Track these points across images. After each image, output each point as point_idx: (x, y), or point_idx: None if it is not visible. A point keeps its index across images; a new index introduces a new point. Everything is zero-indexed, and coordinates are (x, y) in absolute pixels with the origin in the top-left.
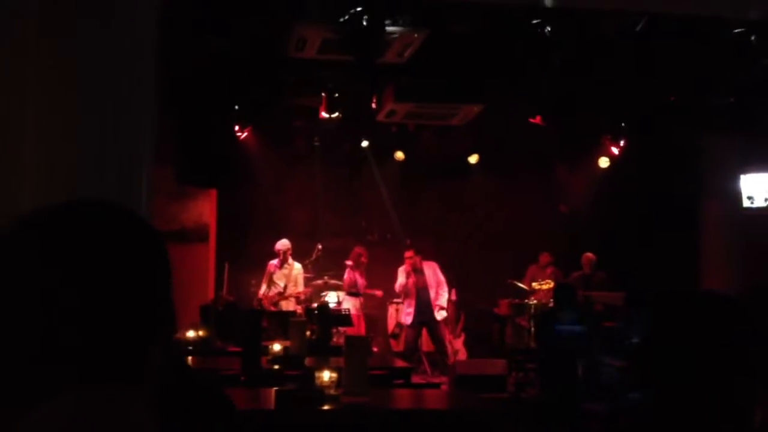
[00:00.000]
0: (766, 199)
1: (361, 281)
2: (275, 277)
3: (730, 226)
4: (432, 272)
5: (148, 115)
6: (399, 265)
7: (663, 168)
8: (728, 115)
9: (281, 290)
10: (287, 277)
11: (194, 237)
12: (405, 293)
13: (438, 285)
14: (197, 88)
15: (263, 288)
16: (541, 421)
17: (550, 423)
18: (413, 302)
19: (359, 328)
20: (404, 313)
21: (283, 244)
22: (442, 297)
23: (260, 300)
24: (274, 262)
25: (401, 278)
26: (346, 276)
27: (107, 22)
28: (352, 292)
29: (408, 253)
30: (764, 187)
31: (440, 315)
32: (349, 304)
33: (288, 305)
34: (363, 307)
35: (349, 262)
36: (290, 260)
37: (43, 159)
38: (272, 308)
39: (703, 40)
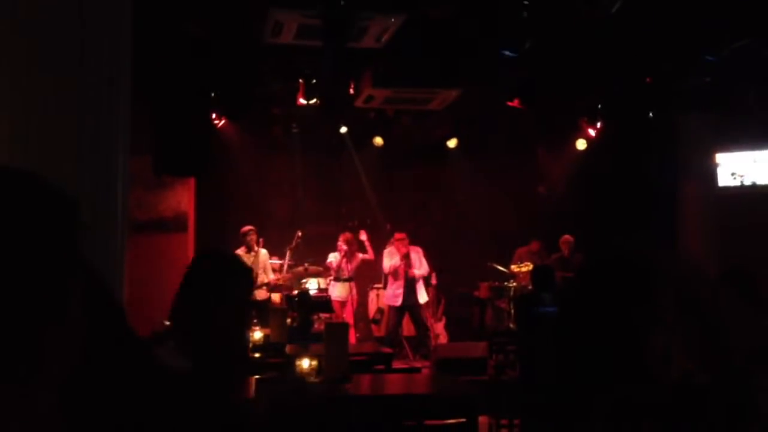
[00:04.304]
0: (733, 174)
1: (347, 266)
2: None
3: (707, 205)
4: (417, 257)
5: (123, 104)
6: (379, 250)
7: (640, 149)
8: (704, 94)
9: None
10: (256, 266)
11: (173, 226)
12: (394, 275)
13: (420, 267)
14: (173, 76)
15: None
16: (522, 403)
17: (530, 404)
18: (402, 284)
19: (346, 315)
20: (392, 295)
21: (249, 229)
22: (422, 271)
23: None
24: (239, 251)
25: (392, 259)
26: (337, 261)
27: (81, 12)
28: (341, 278)
29: (400, 235)
30: (742, 164)
31: (422, 298)
32: (337, 290)
33: (260, 294)
34: (351, 293)
35: (344, 247)
36: (256, 247)
37: (17, 150)
38: None
39: (678, 21)
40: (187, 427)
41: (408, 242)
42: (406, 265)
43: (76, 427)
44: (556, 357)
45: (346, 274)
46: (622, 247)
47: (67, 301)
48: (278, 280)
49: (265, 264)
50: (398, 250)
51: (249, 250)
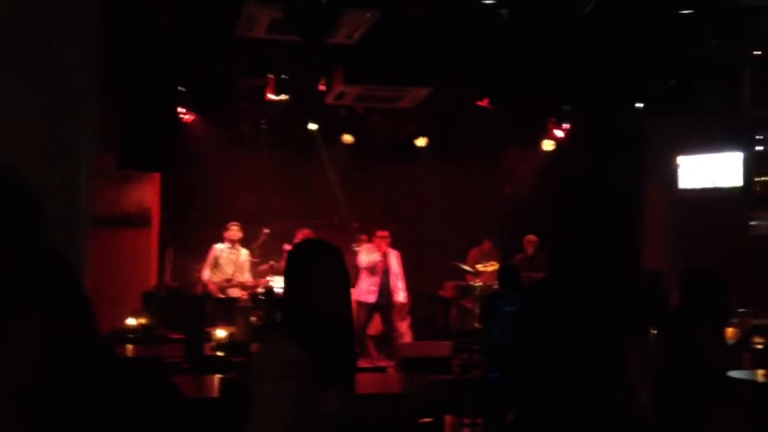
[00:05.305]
0: (693, 176)
1: None
2: (222, 262)
3: (669, 207)
4: (396, 259)
5: (88, 97)
6: (347, 248)
7: (605, 150)
8: (669, 97)
9: (229, 276)
10: (235, 264)
11: (137, 222)
12: (371, 270)
13: (399, 273)
14: (141, 69)
15: (207, 272)
16: (487, 402)
17: (495, 403)
18: (378, 282)
19: None
20: (366, 291)
21: (233, 224)
22: (401, 291)
23: (206, 285)
24: (220, 245)
25: (371, 255)
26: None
27: (48, 3)
28: None
29: (383, 233)
30: (700, 168)
31: (399, 298)
32: None
33: (234, 292)
34: None
35: (287, 247)
36: (237, 245)
37: None
38: (220, 294)
39: (649, 23)
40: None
41: (390, 241)
42: (384, 264)
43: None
44: (529, 370)
45: None
46: (591, 265)
47: (33, 298)
48: (249, 282)
49: (244, 264)
50: (379, 247)
51: (231, 246)
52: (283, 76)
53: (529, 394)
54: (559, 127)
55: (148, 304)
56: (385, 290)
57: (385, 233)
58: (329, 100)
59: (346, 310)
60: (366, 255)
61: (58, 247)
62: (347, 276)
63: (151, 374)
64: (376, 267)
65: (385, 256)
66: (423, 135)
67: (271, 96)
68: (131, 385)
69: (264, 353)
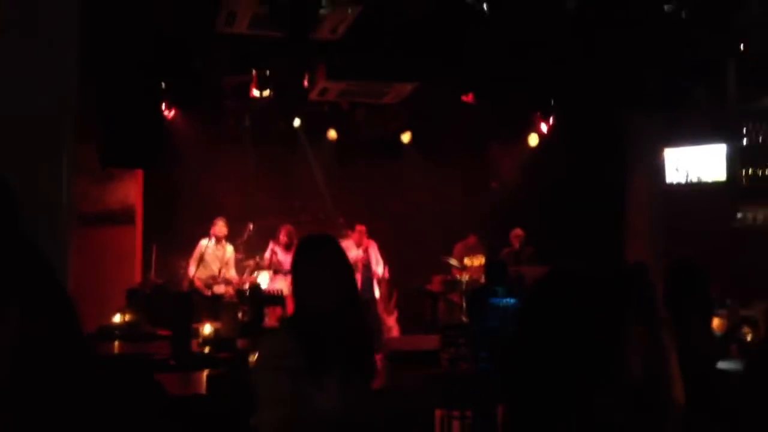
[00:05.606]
0: (678, 169)
1: (284, 259)
2: (208, 258)
3: (654, 200)
4: (373, 251)
5: (69, 93)
6: None
7: (590, 144)
8: (654, 91)
9: (215, 273)
10: (221, 260)
11: (120, 219)
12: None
13: (376, 263)
14: (122, 65)
15: (192, 268)
16: (475, 394)
17: (483, 396)
18: (360, 277)
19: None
20: None
21: (219, 219)
22: (379, 268)
23: (192, 281)
24: (206, 241)
25: (352, 251)
26: (270, 255)
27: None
28: (280, 271)
29: (360, 227)
30: (685, 161)
31: (376, 292)
32: (282, 284)
33: (220, 288)
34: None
35: (272, 243)
36: (222, 241)
37: None
38: (206, 291)
39: (636, 18)
40: (133, 425)
41: (367, 234)
42: (365, 258)
43: (16, 428)
44: (528, 368)
45: (286, 267)
46: (583, 262)
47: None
48: (235, 279)
49: (230, 261)
50: (358, 242)
51: (217, 242)
52: (266, 72)
53: (526, 391)
54: (545, 122)
55: (132, 301)
56: (367, 284)
57: (363, 227)
58: (313, 95)
59: (341, 302)
60: (352, 250)
61: (35, 244)
62: (344, 267)
63: (133, 372)
64: (358, 263)
65: (365, 250)
66: (408, 130)
67: (254, 92)
68: (113, 383)
69: (261, 346)
